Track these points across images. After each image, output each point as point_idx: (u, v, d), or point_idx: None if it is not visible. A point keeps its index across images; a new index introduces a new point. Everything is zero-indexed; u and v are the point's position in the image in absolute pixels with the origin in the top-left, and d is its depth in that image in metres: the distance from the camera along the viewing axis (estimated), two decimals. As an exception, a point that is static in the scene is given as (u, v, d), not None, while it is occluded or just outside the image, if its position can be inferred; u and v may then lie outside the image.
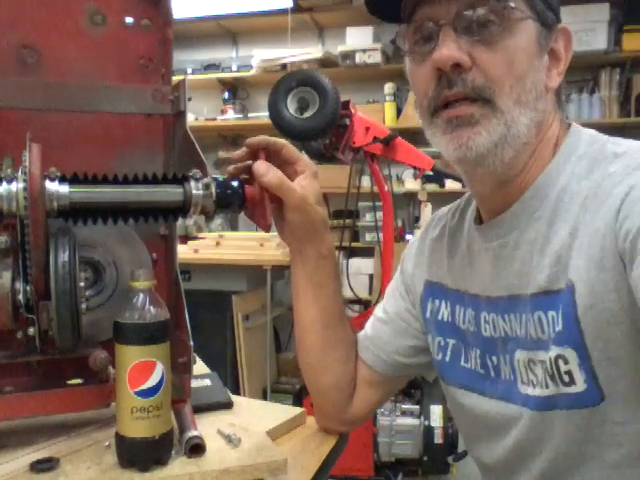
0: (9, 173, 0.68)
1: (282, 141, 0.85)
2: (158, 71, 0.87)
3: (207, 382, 0.99)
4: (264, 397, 3.33)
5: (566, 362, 0.71)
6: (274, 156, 0.84)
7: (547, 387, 0.74)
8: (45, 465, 0.72)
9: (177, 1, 0.87)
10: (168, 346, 0.72)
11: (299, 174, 0.84)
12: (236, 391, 3.16)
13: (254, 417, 0.90)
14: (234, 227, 4.31)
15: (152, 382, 0.70)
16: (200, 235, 3.41)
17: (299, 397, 3.52)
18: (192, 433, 0.75)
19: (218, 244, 3.26)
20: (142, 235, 0.86)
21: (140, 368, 0.70)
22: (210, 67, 4.59)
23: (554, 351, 0.72)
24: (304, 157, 0.86)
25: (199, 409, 0.85)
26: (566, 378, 0.72)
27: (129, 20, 0.85)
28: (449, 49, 0.71)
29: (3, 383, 0.80)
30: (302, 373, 0.94)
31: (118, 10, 0.86)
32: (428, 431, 2.61)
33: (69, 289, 0.69)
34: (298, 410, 0.96)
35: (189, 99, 0.81)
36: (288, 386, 3.63)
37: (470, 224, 0.88)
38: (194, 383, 0.86)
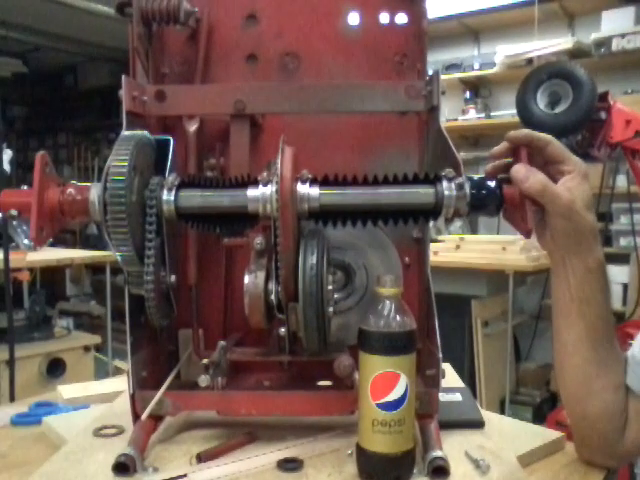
0: (265, 176, 0.69)
1: (547, 137, 0.76)
2: (413, 66, 0.85)
3: (457, 396, 0.93)
4: (501, 408, 3.21)
5: None
6: (538, 153, 0.76)
7: None
8: (291, 465, 0.73)
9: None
10: (414, 358, 0.68)
11: (566, 174, 0.74)
12: (473, 399, 3.08)
13: (505, 438, 0.83)
14: (474, 230, 4.18)
15: (395, 395, 0.67)
16: (439, 238, 3.37)
17: (540, 410, 3.34)
18: (436, 453, 0.70)
19: (458, 247, 3.21)
20: (394, 238, 0.84)
21: (383, 379, 0.67)
22: (452, 67, 4.52)
23: None
24: (572, 155, 0.76)
25: (446, 425, 0.80)
26: None
27: (384, 16, 0.83)
28: None
29: (259, 378, 0.85)
30: (562, 399, 0.84)
31: (373, 7, 0.85)
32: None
33: (316, 292, 0.69)
34: (555, 434, 0.87)
35: (443, 93, 0.76)
36: (528, 398, 3.46)
37: None
38: (442, 397, 0.81)
